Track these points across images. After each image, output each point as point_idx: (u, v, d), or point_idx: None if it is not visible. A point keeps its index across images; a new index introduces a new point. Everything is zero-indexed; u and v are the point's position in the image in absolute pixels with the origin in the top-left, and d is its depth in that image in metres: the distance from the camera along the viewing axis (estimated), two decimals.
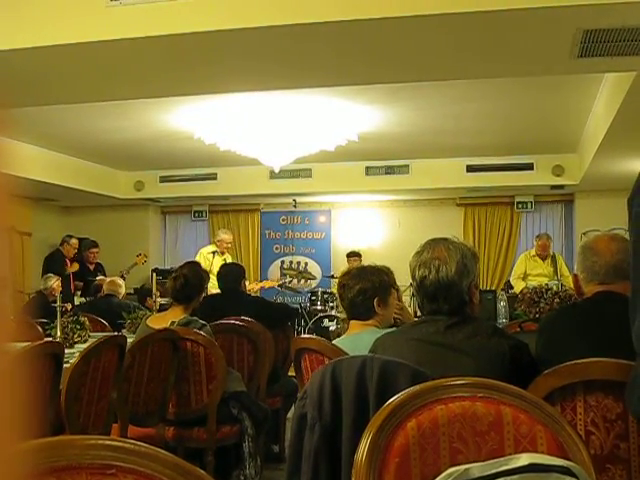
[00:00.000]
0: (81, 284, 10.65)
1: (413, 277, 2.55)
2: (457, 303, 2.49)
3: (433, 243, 2.55)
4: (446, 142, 9.47)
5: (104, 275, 10.27)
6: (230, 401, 4.50)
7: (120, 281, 7.69)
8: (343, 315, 3.96)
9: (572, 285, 3.02)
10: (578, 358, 2.18)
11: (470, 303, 2.53)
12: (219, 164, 10.85)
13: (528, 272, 9.79)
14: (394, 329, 2.92)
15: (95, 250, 11.05)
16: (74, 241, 10.92)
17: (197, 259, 10.29)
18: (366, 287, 3.31)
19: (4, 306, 0.61)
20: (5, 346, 0.61)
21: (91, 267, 10.99)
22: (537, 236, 10.24)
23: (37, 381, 3.15)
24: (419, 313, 2.72)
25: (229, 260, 10.41)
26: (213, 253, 10.44)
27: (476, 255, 2.59)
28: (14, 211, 0.61)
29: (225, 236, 10.69)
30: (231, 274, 5.90)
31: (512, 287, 9.81)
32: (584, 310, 2.63)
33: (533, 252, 9.98)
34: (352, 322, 3.39)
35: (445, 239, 2.57)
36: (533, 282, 9.03)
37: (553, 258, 9.78)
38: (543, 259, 9.79)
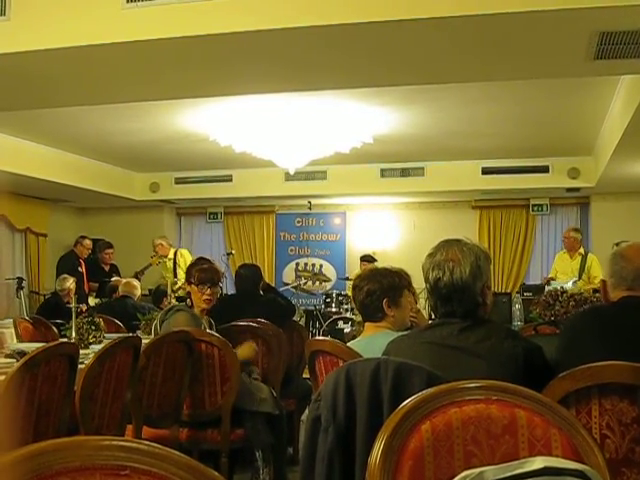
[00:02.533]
0: (96, 285, 10.69)
1: (426, 279, 2.53)
2: (471, 305, 2.48)
3: (446, 245, 2.54)
4: (461, 144, 9.45)
5: (119, 276, 10.30)
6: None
7: (136, 282, 7.72)
8: (358, 317, 3.96)
9: (598, 287, 3.03)
10: (597, 361, 2.16)
11: (483, 305, 2.52)
12: (234, 166, 10.87)
13: (559, 270, 9.72)
14: (408, 332, 2.91)
15: (110, 251, 11.07)
16: (87, 242, 10.97)
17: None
18: (374, 288, 3.32)
19: None
20: None
21: (106, 268, 11.02)
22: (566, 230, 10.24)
23: (51, 382, 3.16)
24: (433, 316, 2.70)
25: (169, 265, 10.97)
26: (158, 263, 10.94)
27: (489, 256, 2.57)
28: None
29: (158, 241, 11.06)
30: (248, 277, 5.92)
31: (528, 290, 9.68)
32: (608, 314, 2.63)
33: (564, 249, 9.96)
34: (367, 324, 3.40)
35: (458, 240, 2.55)
36: (560, 278, 9.08)
37: (584, 257, 9.65)
38: (571, 256, 9.71)
